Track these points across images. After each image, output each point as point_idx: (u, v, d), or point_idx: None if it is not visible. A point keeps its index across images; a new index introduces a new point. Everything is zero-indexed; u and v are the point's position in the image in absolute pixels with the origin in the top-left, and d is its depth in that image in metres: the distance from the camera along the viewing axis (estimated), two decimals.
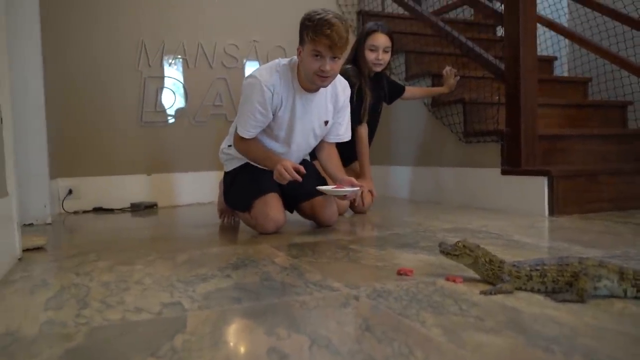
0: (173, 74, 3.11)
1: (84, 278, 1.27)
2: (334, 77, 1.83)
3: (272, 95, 1.82)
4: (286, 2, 3.25)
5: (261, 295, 1.07)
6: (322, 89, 1.91)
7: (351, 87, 2.33)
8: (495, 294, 1.02)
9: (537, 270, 1.03)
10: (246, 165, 2.03)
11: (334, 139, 2.07)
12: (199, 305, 1.00)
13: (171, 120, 3.11)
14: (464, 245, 1.11)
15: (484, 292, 1.03)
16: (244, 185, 1.99)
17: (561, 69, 3.53)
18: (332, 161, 2.06)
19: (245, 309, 0.98)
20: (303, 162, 2.18)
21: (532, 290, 1.03)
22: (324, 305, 0.99)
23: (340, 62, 1.81)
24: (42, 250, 1.70)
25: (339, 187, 1.90)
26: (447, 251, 1.13)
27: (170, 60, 3.09)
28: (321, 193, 1.97)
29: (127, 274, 1.29)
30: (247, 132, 1.88)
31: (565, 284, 1.00)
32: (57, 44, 2.83)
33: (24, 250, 1.60)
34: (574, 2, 3.25)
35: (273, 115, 1.86)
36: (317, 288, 1.11)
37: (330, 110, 1.99)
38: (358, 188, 1.87)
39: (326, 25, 1.69)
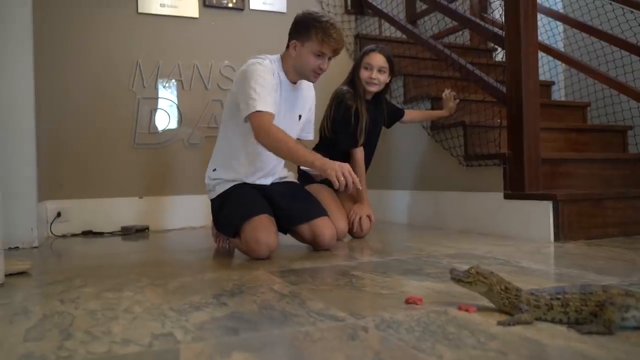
0: (168, 95, 3.06)
1: (69, 305, 1.18)
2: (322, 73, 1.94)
3: (272, 75, 1.86)
4: (282, 24, 3.22)
5: (260, 325, 0.99)
6: (300, 85, 2.01)
7: (348, 109, 2.30)
8: (513, 324, 0.95)
9: (558, 299, 0.96)
10: (234, 188, 1.97)
11: (305, 136, 2.18)
12: (193, 337, 0.92)
13: (165, 142, 3.04)
14: (477, 272, 1.04)
15: (501, 323, 0.95)
16: (232, 209, 1.92)
17: (559, 94, 3.52)
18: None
19: (243, 341, 0.90)
20: (293, 184, 2.13)
21: (553, 321, 0.96)
22: (329, 337, 0.91)
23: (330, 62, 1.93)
24: (27, 275, 1.60)
25: None
26: (459, 278, 1.06)
27: (165, 82, 3.04)
28: (320, 214, 1.95)
29: (115, 302, 1.20)
30: (269, 106, 1.76)
31: (589, 314, 0.93)
32: (50, 62, 2.77)
33: (6, 275, 1.51)
34: (570, 28, 3.27)
35: None
36: (320, 318, 1.03)
37: (305, 106, 2.08)
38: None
39: (332, 29, 1.84)
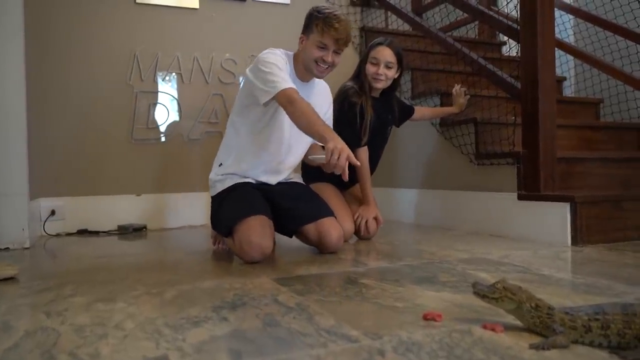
0: (166, 89, 2.95)
1: (55, 320, 1.08)
2: (332, 69, 1.88)
3: (286, 66, 1.83)
4: (285, 17, 3.12)
5: (265, 347, 0.89)
6: (316, 85, 1.98)
7: (352, 106, 2.18)
8: (548, 348, 0.85)
9: (597, 320, 0.86)
10: (236, 185, 1.88)
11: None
12: None
13: (163, 137, 2.93)
14: (504, 287, 0.94)
15: (534, 347, 0.86)
16: (229, 207, 1.84)
17: (570, 90, 3.42)
18: (314, 147, 2.03)
19: None
20: (298, 185, 2.03)
21: (591, 345, 0.86)
22: None
23: (340, 58, 1.87)
24: (14, 280, 1.50)
25: None
26: (484, 293, 0.96)
27: (163, 75, 2.93)
28: (326, 215, 1.88)
29: (105, 315, 1.10)
30: (291, 83, 1.72)
31: (633, 338, 0.83)
32: (43, 55, 2.66)
33: None
34: (583, 21, 3.16)
35: None
36: (331, 337, 0.93)
37: (318, 107, 1.91)
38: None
39: (335, 20, 1.79)
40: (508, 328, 0.95)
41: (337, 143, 1.56)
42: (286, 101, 1.69)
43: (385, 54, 2.22)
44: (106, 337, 0.95)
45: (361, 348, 0.87)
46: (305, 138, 1.96)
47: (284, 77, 1.73)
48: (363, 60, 2.28)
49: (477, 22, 3.46)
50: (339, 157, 1.52)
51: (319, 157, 1.86)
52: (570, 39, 3.40)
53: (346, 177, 1.56)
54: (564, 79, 3.32)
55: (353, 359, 0.82)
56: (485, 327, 0.96)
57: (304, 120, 1.66)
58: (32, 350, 0.89)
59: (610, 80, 2.95)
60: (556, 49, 3.02)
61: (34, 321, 1.07)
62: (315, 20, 1.81)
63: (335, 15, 1.80)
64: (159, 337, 0.95)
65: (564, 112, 2.80)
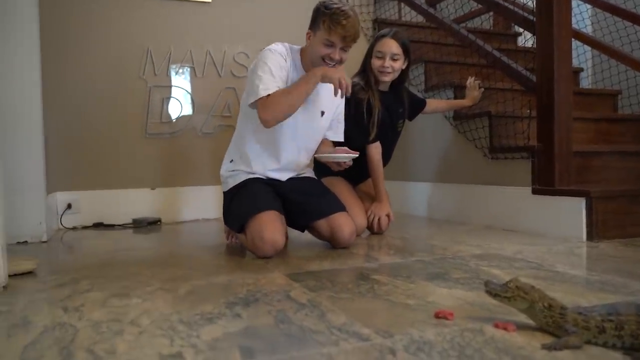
0: (180, 83, 2.96)
1: (72, 315, 1.10)
2: (339, 66, 1.83)
3: (285, 62, 1.81)
4: (297, 9, 3.10)
5: (277, 344, 0.90)
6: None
7: (358, 104, 2.16)
8: (560, 349, 0.85)
9: (610, 320, 0.86)
10: (247, 181, 1.88)
11: (331, 136, 2.05)
12: (204, 358, 0.83)
13: (177, 131, 2.95)
14: (517, 287, 0.94)
15: (546, 347, 0.85)
16: (241, 203, 1.84)
17: (587, 81, 3.36)
18: (325, 144, 2.03)
19: None
20: (310, 180, 2.03)
21: (605, 346, 0.86)
22: None
23: (348, 54, 1.83)
24: (32, 275, 1.53)
25: (338, 152, 1.90)
26: (497, 292, 0.95)
27: (177, 69, 2.95)
28: (338, 210, 1.88)
29: (121, 311, 1.12)
30: (272, 89, 1.72)
31: None
32: (58, 52, 2.69)
33: (11, 276, 1.44)
34: (601, 11, 3.10)
35: None
36: (343, 335, 0.93)
37: (329, 103, 1.94)
38: (355, 154, 1.86)
39: (342, 16, 1.73)
40: (520, 327, 0.95)
41: (330, 73, 1.73)
42: (261, 108, 1.72)
43: (391, 45, 2.17)
44: (122, 334, 0.97)
45: (372, 347, 0.88)
46: (315, 135, 1.96)
47: (267, 84, 1.71)
48: (368, 54, 2.23)
49: (491, 13, 3.41)
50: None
51: (328, 155, 1.87)
52: (588, 29, 3.34)
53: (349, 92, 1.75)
54: (581, 70, 3.27)
55: (364, 358, 0.83)
56: (497, 326, 0.96)
57: (284, 101, 1.72)
58: (51, 346, 0.91)
59: (629, 71, 2.89)
60: (573, 39, 2.99)
61: (52, 317, 1.10)
62: (323, 17, 1.75)
63: (342, 11, 1.74)
64: (173, 333, 0.96)
65: (581, 104, 2.76)
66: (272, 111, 1.71)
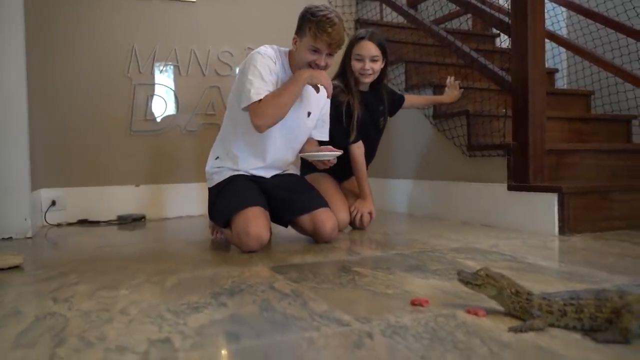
0: (164, 81, 2.99)
1: (62, 306, 1.13)
2: (325, 70, 1.87)
3: (274, 64, 1.85)
4: (282, 8, 3.15)
5: (262, 330, 0.95)
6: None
7: (338, 106, 2.21)
8: (525, 331, 0.91)
9: (571, 305, 0.92)
10: (232, 178, 1.93)
11: (317, 135, 2.10)
12: (192, 344, 0.88)
13: (162, 129, 2.98)
14: (487, 275, 1.00)
15: (513, 329, 0.92)
16: (226, 199, 1.89)
17: (562, 82, 3.47)
18: (310, 143, 2.08)
19: (245, 350, 0.86)
20: (293, 177, 2.08)
21: (566, 328, 0.92)
22: (334, 344, 0.87)
23: (333, 60, 1.88)
24: (19, 269, 1.56)
25: (322, 150, 1.95)
26: (468, 280, 1.02)
27: (161, 67, 2.97)
28: (320, 205, 1.94)
29: (110, 301, 1.16)
30: (260, 95, 1.76)
31: (604, 321, 0.89)
32: (43, 49, 2.69)
33: None
34: (575, 14, 3.20)
35: None
36: (324, 321, 0.99)
37: (315, 104, 2.00)
38: (339, 152, 1.92)
39: (328, 24, 1.76)
40: (490, 313, 1.01)
41: (315, 75, 1.80)
42: (253, 114, 1.76)
43: (369, 48, 2.20)
44: (112, 322, 1.01)
45: (352, 331, 0.93)
46: (301, 135, 2.01)
47: (258, 89, 1.76)
48: (347, 57, 2.26)
49: (470, 15, 3.49)
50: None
51: (312, 154, 1.92)
52: (563, 31, 3.45)
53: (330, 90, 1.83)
54: (556, 70, 3.37)
55: (343, 341, 0.88)
56: (468, 311, 1.02)
57: (273, 103, 1.76)
58: (43, 334, 0.95)
59: (601, 72, 3.00)
60: (549, 40, 3.10)
61: (43, 307, 1.13)
62: (309, 24, 1.78)
63: (328, 18, 1.76)
64: (161, 321, 1.01)
65: (556, 103, 2.86)
66: (264, 117, 1.76)
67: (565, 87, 3.42)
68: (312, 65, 1.82)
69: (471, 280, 1.01)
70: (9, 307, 1.14)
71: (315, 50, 1.80)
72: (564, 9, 3.33)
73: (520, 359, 0.79)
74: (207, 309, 1.09)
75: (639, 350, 0.82)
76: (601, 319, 0.90)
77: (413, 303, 1.09)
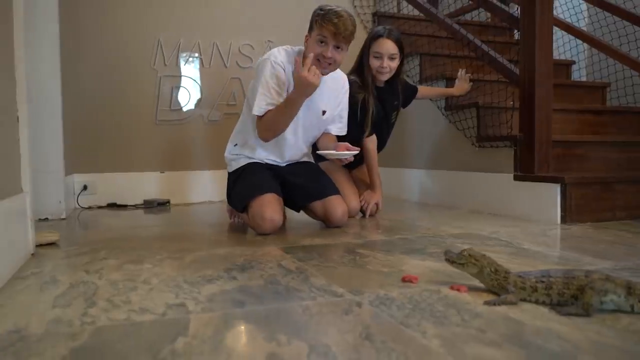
0: (188, 72, 3.14)
1: (93, 276, 1.29)
2: (335, 66, 1.93)
3: (284, 71, 1.93)
4: (302, 3, 3.24)
5: (265, 299, 1.08)
6: (327, 80, 2.00)
7: (355, 101, 2.27)
8: (499, 304, 1.02)
9: (542, 282, 1.02)
10: (249, 165, 2.06)
11: (333, 130, 2.17)
12: (203, 308, 1.01)
13: (185, 119, 3.13)
14: (469, 254, 1.11)
15: (487, 303, 1.02)
16: (243, 186, 2.03)
17: (579, 74, 3.48)
18: (327, 138, 2.14)
19: (248, 313, 0.99)
20: (308, 164, 2.19)
21: (537, 302, 1.02)
22: (326, 311, 0.99)
23: (343, 54, 1.91)
24: (55, 246, 1.73)
25: (339, 149, 1.99)
26: (453, 259, 1.12)
27: (185, 59, 3.12)
28: (332, 193, 2.05)
29: (135, 274, 1.31)
30: (262, 110, 1.91)
31: (571, 297, 0.99)
32: (74, 42, 2.87)
33: (37, 246, 1.63)
34: (594, 7, 3.21)
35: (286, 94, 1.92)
36: (320, 293, 1.11)
37: (330, 102, 2.07)
38: (356, 151, 1.96)
39: (334, 15, 1.83)
40: (472, 289, 1.12)
41: (309, 80, 1.79)
42: (262, 130, 1.95)
43: (388, 46, 2.28)
44: (136, 290, 1.15)
45: (343, 301, 1.05)
46: (317, 132, 2.11)
47: (262, 103, 1.89)
48: (365, 53, 2.33)
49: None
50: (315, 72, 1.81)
51: (331, 153, 1.99)
52: (582, 24, 3.45)
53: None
54: (573, 62, 3.39)
55: (334, 309, 1.00)
56: (452, 288, 1.13)
57: (274, 120, 1.91)
58: (77, 297, 1.10)
59: (617, 65, 3.02)
60: (566, 33, 3.12)
61: (76, 277, 1.28)
62: (316, 17, 1.87)
63: (335, 11, 1.84)
64: (178, 290, 1.15)
65: (570, 95, 2.90)
66: (265, 133, 1.96)
67: (583, 79, 3.43)
68: (319, 58, 1.86)
69: (455, 259, 1.12)
70: (47, 276, 1.29)
71: (322, 40, 1.85)
72: (582, 1, 3.33)
73: (488, 327, 0.90)
74: (219, 281, 1.22)
75: (596, 322, 0.92)
76: (568, 295, 1.00)
77: (404, 280, 1.21)
